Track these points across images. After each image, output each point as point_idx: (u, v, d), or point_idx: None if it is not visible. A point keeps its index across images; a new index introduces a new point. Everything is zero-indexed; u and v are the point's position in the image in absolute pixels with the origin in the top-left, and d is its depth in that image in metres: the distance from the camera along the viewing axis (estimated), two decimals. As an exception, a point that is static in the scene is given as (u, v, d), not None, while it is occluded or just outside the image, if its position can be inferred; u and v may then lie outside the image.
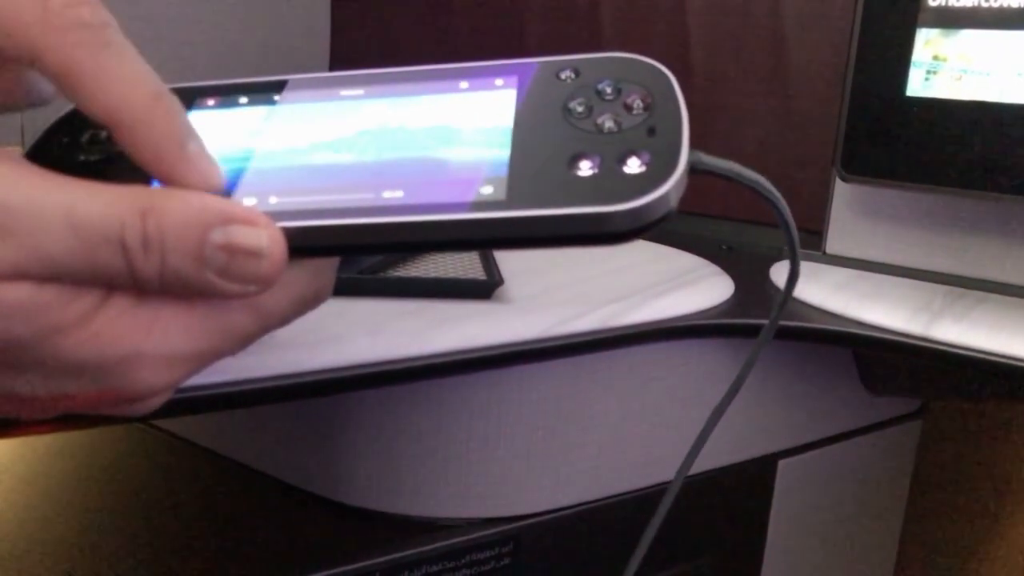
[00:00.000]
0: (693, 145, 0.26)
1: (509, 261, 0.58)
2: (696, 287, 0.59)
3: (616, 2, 0.89)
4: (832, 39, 0.76)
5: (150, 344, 0.26)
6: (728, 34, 0.82)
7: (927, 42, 0.58)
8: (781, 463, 0.65)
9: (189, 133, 0.26)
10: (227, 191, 0.27)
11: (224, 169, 0.27)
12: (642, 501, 0.57)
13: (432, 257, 0.56)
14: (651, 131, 0.26)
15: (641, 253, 0.66)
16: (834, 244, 0.68)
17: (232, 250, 0.25)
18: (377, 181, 0.27)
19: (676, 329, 0.54)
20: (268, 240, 0.25)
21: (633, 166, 0.26)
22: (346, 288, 0.49)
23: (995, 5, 0.56)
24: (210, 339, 0.27)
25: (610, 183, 0.25)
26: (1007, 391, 0.66)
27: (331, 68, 1.08)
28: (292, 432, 0.55)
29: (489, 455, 0.53)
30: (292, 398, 0.42)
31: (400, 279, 0.52)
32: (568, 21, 0.92)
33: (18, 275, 0.24)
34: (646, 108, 0.27)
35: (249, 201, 0.27)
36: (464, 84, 0.30)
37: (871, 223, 0.67)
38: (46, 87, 0.29)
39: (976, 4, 0.57)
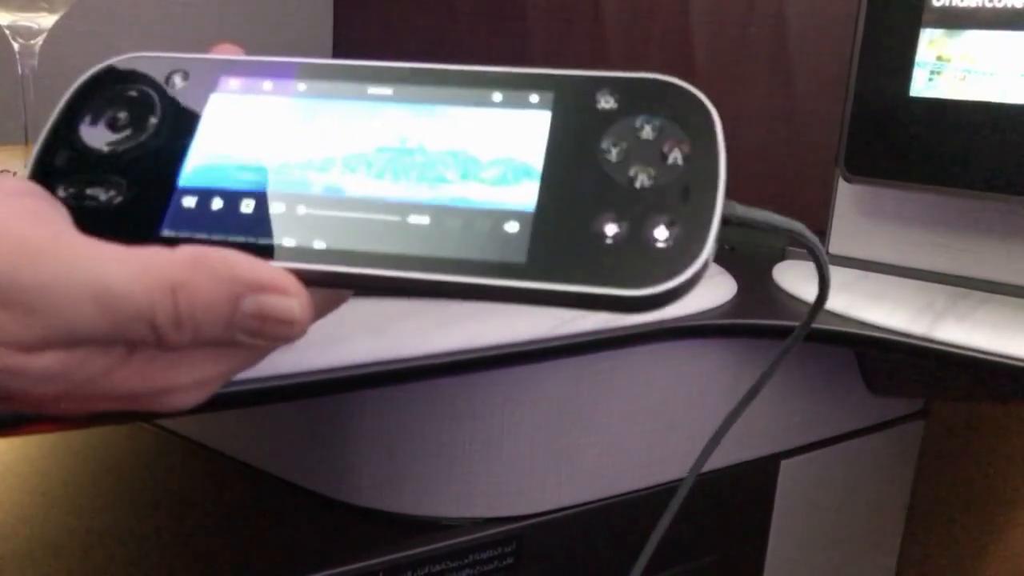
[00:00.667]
0: None
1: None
2: (698, 287, 0.59)
3: (618, 1, 0.89)
4: (836, 39, 0.76)
5: (181, 378, 0.26)
6: (731, 33, 0.82)
7: (931, 42, 0.58)
8: (784, 463, 0.65)
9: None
10: (251, 227, 0.27)
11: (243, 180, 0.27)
12: (645, 501, 0.57)
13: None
14: (686, 191, 0.25)
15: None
16: (837, 244, 0.68)
17: (263, 318, 0.25)
18: (401, 225, 0.26)
19: (679, 329, 0.54)
20: (299, 308, 0.25)
21: (662, 238, 0.25)
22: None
23: (999, 5, 0.56)
24: (236, 361, 0.27)
25: (636, 258, 0.24)
26: (1009, 392, 0.66)
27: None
28: (296, 431, 0.55)
29: (492, 455, 0.53)
30: (296, 398, 0.42)
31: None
32: (570, 22, 0.92)
33: (45, 346, 0.24)
34: (684, 159, 0.26)
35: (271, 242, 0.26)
36: (497, 96, 0.28)
37: (874, 223, 0.67)
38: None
39: (980, 4, 0.57)
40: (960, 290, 0.62)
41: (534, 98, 0.28)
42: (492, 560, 0.53)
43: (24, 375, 0.24)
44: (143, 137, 0.28)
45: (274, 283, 0.25)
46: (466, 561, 0.52)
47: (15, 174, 0.47)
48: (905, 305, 0.57)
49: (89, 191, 0.27)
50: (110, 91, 0.29)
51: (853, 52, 0.62)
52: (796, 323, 0.58)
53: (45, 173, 0.28)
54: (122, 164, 0.28)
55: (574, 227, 0.25)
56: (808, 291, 0.60)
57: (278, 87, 0.29)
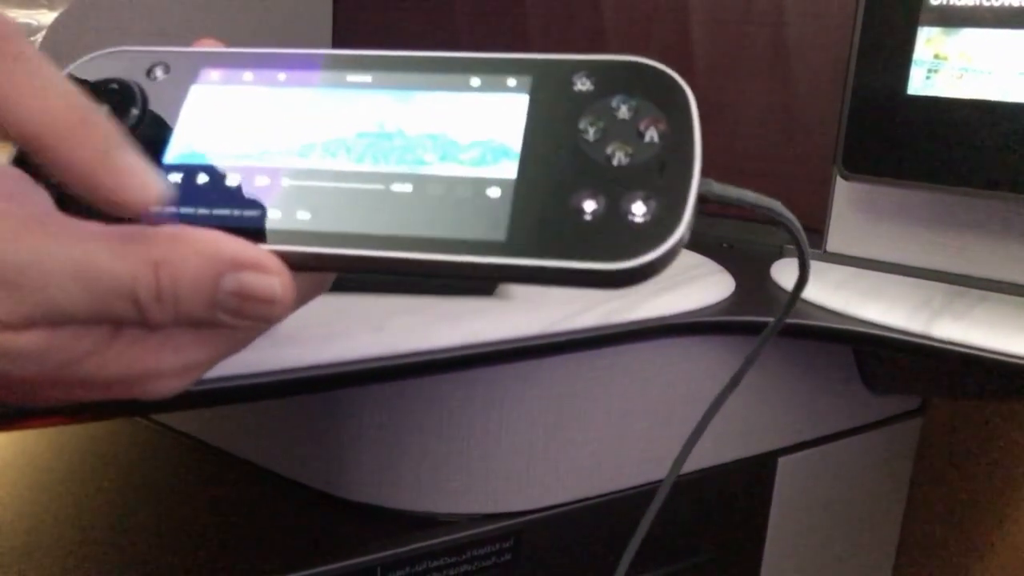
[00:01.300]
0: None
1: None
2: (697, 284, 0.59)
3: (618, 1, 0.89)
4: (834, 37, 0.76)
5: (165, 362, 0.26)
6: (729, 32, 0.82)
7: (928, 40, 0.59)
8: (781, 460, 0.65)
9: (119, 145, 0.25)
10: (234, 203, 0.27)
11: (228, 164, 0.27)
12: (643, 497, 0.57)
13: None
14: (662, 167, 0.26)
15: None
16: (835, 242, 0.68)
17: (244, 296, 0.25)
18: (382, 205, 0.26)
19: (677, 326, 0.54)
20: (280, 287, 0.25)
21: (639, 213, 0.25)
22: (348, 284, 0.49)
23: (996, 4, 0.56)
24: (220, 345, 0.27)
25: (614, 233, 0.25)
26: (1007, 389, 0.66)
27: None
28: (294, 427, 0.55)
29: (490, 451, 0.53)
30: (294, 393, 0.42)
31: (402, 275, 0.52)
32: (570, 20, 0.92)
33: (29, 325, 0.24)
34: (660, 136, 0.26)
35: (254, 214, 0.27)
36: (475, 81, 0.28)
37: (872, 221, 0.67)
38: None
39: (977, 3, 0.57)
40: (957, 288, 0.62)
41: (512, 82, 0.28)
42: (490, 556, 0.53)
43: (5, 354, 0.24)
44: (125, 128, 0.28)
45: (255, 261, 0.25)
46: (464, 557, 0.52)
47: None
48: (902, 303, 0.58)
49: None
50: (92, 84, 0.30)
51: (851, 50, 0.62)
52: (795, 321, 0.58)
53: (26, 164, 0.28)
54: None
55: (553, 204, 0.25)
56: (807, 289, 0.60)
57: (258, 77, 0.30)
